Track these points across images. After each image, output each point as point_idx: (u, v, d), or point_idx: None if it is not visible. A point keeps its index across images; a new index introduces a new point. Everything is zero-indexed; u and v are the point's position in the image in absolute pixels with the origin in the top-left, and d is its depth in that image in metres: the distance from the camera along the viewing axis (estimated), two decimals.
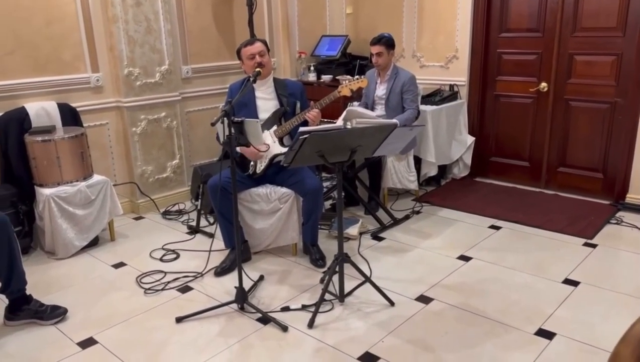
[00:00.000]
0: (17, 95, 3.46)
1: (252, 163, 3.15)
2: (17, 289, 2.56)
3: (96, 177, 3.51)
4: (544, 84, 4.27)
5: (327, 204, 4.07)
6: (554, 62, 4.17)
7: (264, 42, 3.10)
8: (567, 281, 2.91)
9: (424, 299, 2.76)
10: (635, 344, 1.04)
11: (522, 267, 3.08)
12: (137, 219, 4.05)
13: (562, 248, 3.34)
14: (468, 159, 4.66)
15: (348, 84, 3.07)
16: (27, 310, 2.59)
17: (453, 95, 4.56)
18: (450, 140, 4.55)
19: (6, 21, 3.35)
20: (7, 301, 2.60)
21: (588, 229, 3.57)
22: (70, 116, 3.63)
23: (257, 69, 2.93)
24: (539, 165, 4.46)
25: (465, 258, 3.23)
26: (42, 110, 3.49)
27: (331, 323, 2.56)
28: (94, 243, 3.51)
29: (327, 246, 3.37)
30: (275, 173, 3.16)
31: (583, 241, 3.42)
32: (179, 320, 2.60)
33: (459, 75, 4.64)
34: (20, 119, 3.40)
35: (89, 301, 2.83)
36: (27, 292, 2.62)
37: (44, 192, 3.27)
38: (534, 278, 2.96)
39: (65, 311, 2.66)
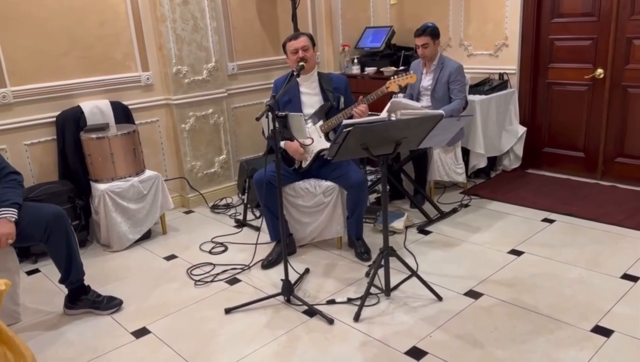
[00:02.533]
0: (72, 95, 3.62)
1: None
2: (76, 279, 2.68)
3: (148, 173, 3.63)
4: (599, 71, 4.07)
5: (372, 197, 4.05)
6: (611, 47, 3.96)
7: (310, 37, 3.10)
8: (626, 276, 2.77)
9: (473, 294, 2.70)
10: None
11: (576, 262, 2.96)
12: (187, 212, 4.16)
13: (620, 242, 3.18)
14: (519, 150, 4.51)
15: (397, 80, 3.00)
16: (85, 300, 2.72)
17: (503, 84, 4.42)
18: (500, 130, 4.42)
19: (61, 23, 3.50)
20: (66, 291, 2.73)
21: None
22: (123, 114, 3.76)
23: (301, 63, 2.94)
24: (594, 156, 4.26)
25: (516, 252, 3.13)
26: (96, 108, 3.64)
27: (377, 317, 2.54)
28: (147, 236, 3.64)
29: (372, 239, 3.35)
30: (319, 167, 3.17)
31: None
32: (227, 311, 2.66)
33: (508, 63, 4.49)
34: (76, 117, 3.56)
35: (142, 292, 2.94)
36: (85, 283, 2.75)
37: (99, 187, 3.41)
38: (590, 273, 2.84)
39: (120, 302, 2.77)
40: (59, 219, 2.56)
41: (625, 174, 4.09)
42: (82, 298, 2.72)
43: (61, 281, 2.68)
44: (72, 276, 2.66)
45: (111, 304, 2.74)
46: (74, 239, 2.64)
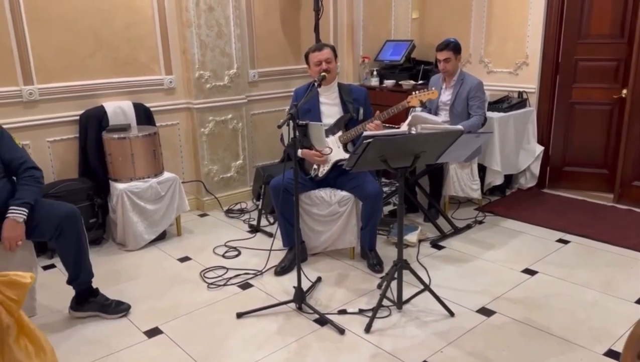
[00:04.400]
0: (96, 95, 3.69)
1: (314, 166, 3.19)
2: (84, 280, 2.66)
3: (166, 175, 3.68)
4: (624, 92, 4.06)
5: (386, 209, 4.05)
6: (633, 68, 3.95)
7: (333, 48, 3.14)
8: None
9: (485, 312, 2.69)
10: (634, 344, 1.08)
11: (591, 284, 2.94)
12: (202, 215, 4.20)
13: (635, 266, 3.15)
14: (536, 169, 4.50)
15: (418, 95, 3.01)
16: (93, 302, 2.69)
17: (522, 102, 4.42)
18: (518, 149, 4.41)
19: (89, 24, 3.57)
20: (74, 292, 2.71)
21: None
22: (145, 116, 3.82)
23: (323, 73, 2.97)
24: (611, 178, 4.23)
25: (530, 272, 3.12)
26: (119, 109, 3.70)
27: (388, 329, 2.54)
28: (162, 237, 3.68)
29: (385, 251, 3.36)
30: (336, 176, 3.19)
31: None
32: (239, 315, 2.68)
33: (528, 82, 4.49)
34: (99, 117, 3.63)
35: (155, 292, 2.97)
36: (95, 286, 2.72)
37: (118, 187, 3.46)
38: (604, 296, 2.81)
39: (128, 306, 2.74)
40: (72, 219, 2.56)
41: None
42: (90, 300, 2.69)
43: (69, 282, 2.66)
44: (80, 277, 2.64)
45: (119, 309, 2.71)
46: (84, 240, 2.62)
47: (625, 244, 3.43)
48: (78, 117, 3.60)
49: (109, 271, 3.21)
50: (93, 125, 3.60)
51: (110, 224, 3.67)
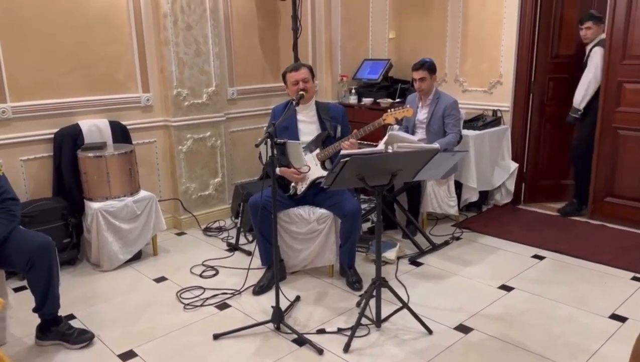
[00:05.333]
0: (72, 113, 3.64)
1: (292, 184, 3.19)
2: (49, 311, 2.58)
3: (142, 193, 3.64)
4: None
5: (365, 226, 4.07)
6: (602, 89, 4.06)
7: (310, 68, 3.16)
8: (614, 316, 2.79)
9: (463, 329, 2.70)
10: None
11: (566, 300, 2.98)
12: (179, 234, 4.15)
13: (609, 281, 3.21)
14: (511, 186, 4.58)
15: (393, 112, 3.06)
16: (55, 331, 2.60)
17: (496, 120, 4.51)
18: (493, 166, 4.49)
19: (65, 41, 3.54)
20: (39, 320, 2.62)
21: (637, 262, 3.42)
22: (121, 133, 3.78)
23: (301, 92, 2.99)
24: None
25: (507, 288, 3.15)
26: (94, 127, 3.66)
27: (367, 348, 2.53)
28: (138, 257, 3.62)
29: (364, 269, 3.36)
30: (314, 194, 3.19)
31: (631, 274, 3.28)
32: (216, 337, 2.64)
33: (502, 100, 4.59)
34: (74, 135, 3.58)
35: (130, 314, 2.91)
36: (68, 309, 2.64)
37: (93, 206, 3.40)
38: (579, 312, 2.85)
39: (92, 336, 2.63)
40: (44, 252, 2.47)
41: (614, 214, 4.15)
42: (52, 329, 2.60)
43: (34, 310, 2.57)
44: (45, 307, 2.55)
45: (82, 338, 2.60)
46: (56, 272, 2.53)
47: (599, 259, 3.49)
48: (52, 136, 3.55)
49: (82, 292, 3.14)
50: (68, 143, 3.55)
51: (84, 244, 3.60)
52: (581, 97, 4.09)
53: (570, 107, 4.23)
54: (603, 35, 4.01)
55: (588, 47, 4.13)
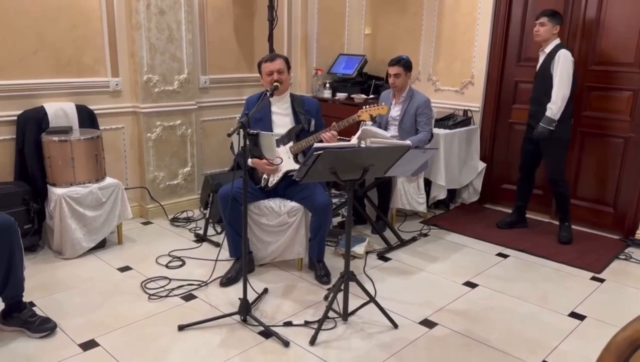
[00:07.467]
0: (37, 95, 3.52)
1: (264, 176, 3.17)
2: (11, 295, 2.50)
3: (108, 180, 3.55)
4: None
5: (335, 221, 4.08)
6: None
7: (286, 60, 3.14)
8: (573, 315, 2.88)
9: (427, 323, 2.74)
10: (617, 352, 1.11)
11: (527, 298, 3.06)
12: (145, 223, 4.07)
13: (569, 280, 3.31)
14: (478, 185, 4.66)
15: (368, 109, 3.06)
16: (17, 318, 2.52)
17: (466, 120, 4.58)
18: (462, 165, 4.56)
19: (32, 22, 3.42)
20: (2, 305, 2.54)
21: (596, 263, 3.54)
22: (88, 118, 3.68)
23: (275, 83, 2.97)
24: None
25: (471, 284, 3.21)
26: (60, 110, 3.55)
27: (333, 341, 2.54)
28: (102, 245, 3.53)
29: (333, 263, 3.37)
30: (285, 187, 3.18)
31: (591, 274, 3.39)
32: (181, 328, 2.60)
33: (473, 101, 4.66)
34: (38, 118, 3.46)
35: (92, 303, 2.84)
36: (28, 296, 2.55)
37: (57, 192, 3.30)
38: (540, 309, 2.93)
39: (54, 326, 2.55)
40: (5, 231, 2.38)
41: (576, 216, 4.26)
42: (14, 315, 2.52)
43: None
44: (7, 290, 2.47)
45: (43, 327, 2.52)
46: (18, 254, 2.45)
47: (561, 259, 3.59)
48: (15, 118, 3.42)
49: (43, 280, 3.05)
50: (32, 126, 3.43)
51: (47, 231, 3.49)
52: (557, 108, 3.60)
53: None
54: (558, 41, 3.68)
55: (543, 50, 3.74)
